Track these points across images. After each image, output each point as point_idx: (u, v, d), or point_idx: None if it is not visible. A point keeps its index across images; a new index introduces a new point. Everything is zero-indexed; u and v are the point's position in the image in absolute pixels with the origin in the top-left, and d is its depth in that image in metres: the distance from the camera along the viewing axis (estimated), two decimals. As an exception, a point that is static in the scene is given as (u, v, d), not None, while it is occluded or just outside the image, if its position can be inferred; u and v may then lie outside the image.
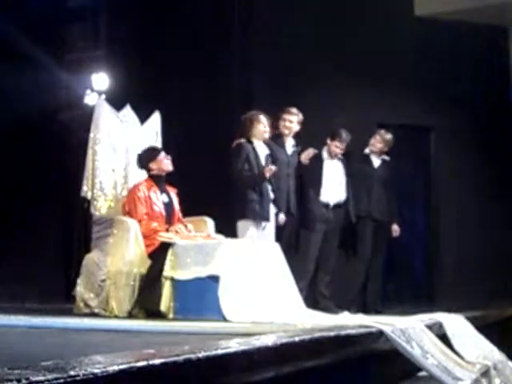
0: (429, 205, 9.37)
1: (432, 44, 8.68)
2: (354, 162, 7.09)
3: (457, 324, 5.04)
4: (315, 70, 8.49)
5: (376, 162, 7.19)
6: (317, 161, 6.75)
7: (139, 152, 6.06)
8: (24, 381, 1.75)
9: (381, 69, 8.60)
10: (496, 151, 8.91)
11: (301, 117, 6.61)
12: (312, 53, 8.52)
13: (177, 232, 5.63)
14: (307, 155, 6.59)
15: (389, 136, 7.19)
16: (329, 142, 6.85)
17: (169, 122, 6.67)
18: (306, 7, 8.52)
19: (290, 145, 6.63)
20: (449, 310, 5.47)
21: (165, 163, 5.92)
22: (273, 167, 6.13)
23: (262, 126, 6.24)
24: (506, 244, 8.79)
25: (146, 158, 5.96)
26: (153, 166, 5.93)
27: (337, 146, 6.83)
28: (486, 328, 5.42)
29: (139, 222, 5.65)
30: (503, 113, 8.45)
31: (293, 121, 6.59)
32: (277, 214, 6.28)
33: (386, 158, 7.28)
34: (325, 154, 6.88)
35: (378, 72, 8.61)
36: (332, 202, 6.81)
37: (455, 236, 9.02)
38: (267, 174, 6.09)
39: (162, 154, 5.94)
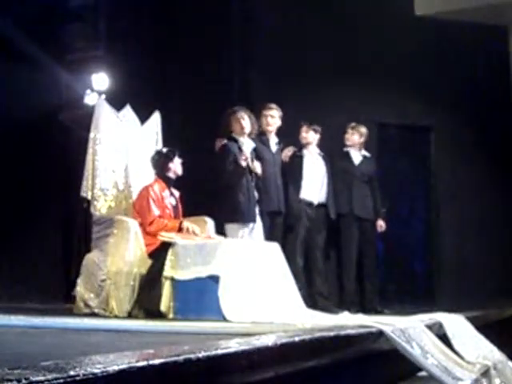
0: (429, 205, 9.37)
1: (432, 44, 8.69)
2: (335, 159, 7.10)
3: (457, 324, 5.04)
4: (315, 70, 8.49)
5: (357, 158, 7.19)
6: (297, 158, 6.76)
7: (157, 151, 6.09)
8: (24, 381, 1.75)
9: (381, 69, 8.60)
10: (496, 151, 8.91)
11: (281, 112, 6.62)
12: (312, 53, 8.52)
13: (188, 230, 5.63)
14: (287, 152, 6.62)
15: (362, 128, 7.20)
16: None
17: (169, 122, 6.67)
18: (306, 7, 8.52)
19: (273, 142, 6.64)
20: (449, 310, 5.47)
21: (180, 166, 5.94)
22: (247, 155, 6.06)
23: (239, 124, 6.19)
24: (506, 244, 8.79)
25: (167, 157, 5.96)
26: (171, 166, 5.94)
27: (301, 131, 6.86)
28: (485, 328, 5.41)
29: (151, 223, 5.64)
30: (503, 113, 8.45)
31: (274, 116, 6.59)
32: (261, 214, 6.25)
33: (367, 154, 7.28)
34: (304, 151, 6.89)
35: (378, 72, 8.61)
36: (316, 200, 6.81)
37: (455, 236, 9.02)
38: (243, 163, 6.01)
39: (177, 159, 5.95)
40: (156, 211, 5.70)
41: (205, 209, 6.22)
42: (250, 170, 6.11)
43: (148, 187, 5.84)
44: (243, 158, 6.01)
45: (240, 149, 6.14)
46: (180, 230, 5.66)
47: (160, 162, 5.95)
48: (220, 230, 6.05)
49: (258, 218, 6.17)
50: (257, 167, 6.16)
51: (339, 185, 6.98)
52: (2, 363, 2.06)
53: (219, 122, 6.30)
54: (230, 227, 6.01)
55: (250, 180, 6.10)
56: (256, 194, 6.16)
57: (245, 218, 6.02)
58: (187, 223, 5.72)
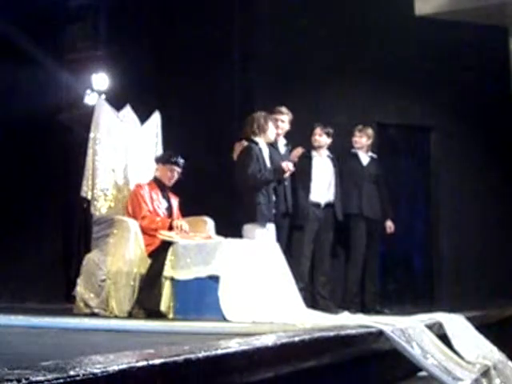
0: (429, 205, 9.37)
1: (432, 44, 8.68)
2: (343, 160, 7.10)
3: (457, 324, 5.04)
4: (315, 70, 8.49)
5: (365, 159, 7.21)
6: (306, 159, 6.76)
7: (162, 153, 6.20)
8: (24, 381, 1.75)
9: (381, 69, 8.60)
10: (496, 151, 8.91)
11: (291, 116, 6.63)
12: (312, 53, 8.52)
13: (182, 228, 5.63)
14: (296, 153, 6.62)
15: (369, 130, 7.22)
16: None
17: (169, 122, 6.67)
18: (306, 7, 8.51)
19: (281, 144, 6.65)
20: (449, 310, 5.47)
21: (167, 175, 5.93)
22: (291, 166, 6.10)
23: (274, 127, 6.26)
24: (506, 244, 8.79)
25: (161, 157, 6.03)
26: (159, 167, 5.96)
27: (315, 134, 6.85)
28: (485, 328, 5.42)
29: (143, 217, 5.66)
30: (503, 113, 8.45)
31: (284, 120, 6.61)
32: (275, 215, 6.26)
33: (374, 155, 7.30)
34: (313, 152, 6.90)
35: (378, 72, 8.61)
36: (323, 201, 6.82)
37: (455, 236, 9.02)
38: (287, 174, 6.05)
39: (173, 167, 5.93)
40: (146, 206, 5.74)
41: (205, 210, 6.21)
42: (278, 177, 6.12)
43: (138, 186, 5.90)
44: (286, 167, 6.04)
45: (260, 151, 6.16)
46: (171, 229, 5.67)
47: (158, 165, 5.98)
48: (232, 230, 6.03)
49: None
50: (290, 166, 6.15)
51: (348, 186, 6.99)
52: (2, 363, 2.06)
53: (243, 123, 6.32)
54: (248, 227, 6.01)
55: None
56: (274, 196, 6.20)
57: (264, 219, 6.03)
58: (177, 221, 5.73)
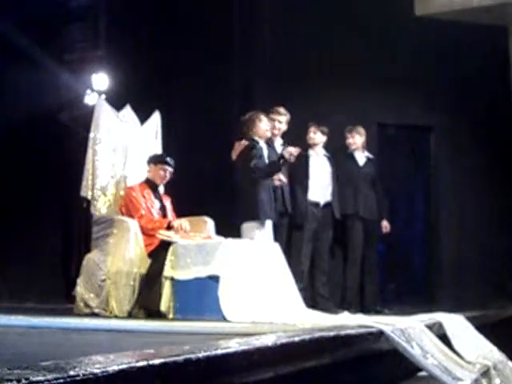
0: (429, 205, 9.37)
1: (432, 44, 8.68)
2: (339, 161, 7.10)
3: (457, 324, 5.04)
4: (315, 70, 8.49)
5: (361, 160, 7.21)
6: (303, 159, 6.77)
7: (152, 155, 6.15)
8: (24, 381, 1.75)
9: (381, 69, 8.60)
10: (496, 151, 8.90)
11: (288, 116, 6.64)
12: (312, 53, 8.52)
13: (181, 228, 5.64)
14: (293, 153, 6.62)
15: (359, 128, 7.22)
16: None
17: (169, 122, 6.68)
18: (307, 7, 8.52)
19: (278, 144, 6.66)
20: (449, 309, 5.47)
21: (159, 174, 5.94)
22: (292, 150, 6.09)
23: (265, 125, 6.25)
24: (505, 244, 8.78)
25: (153, 158, 6.04)
26: (151, 168, 5.97)
27: (309, 132, 6.87)
28: (485, 328, 5.42)
29: (140, 217, 5.67)
30: (503, 113, 8.44)
31: (282, 121, 6.62)
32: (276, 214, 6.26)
33: (370, 155, 7.30)
34: (310, 151, 6.90)
35: (378, 72, 8.61)
36: (322, 200, 6.83)
37: (455, 236, 9.02)
38: (290, 158, 6.05)
39: (165, 166, 5.95)
40: (141, 206, 5.75)
41: (205, 209, 6.21)
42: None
43: (129, 189, 5.93)
44: (288, 151, 6.04)
45: (261, 149, 6.17)
46: (169, 229, 5.67)
47: (149, 166, 6.00)
48: (232, 229, 6.01)
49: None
50: (294, 150, 6.16)
51: (344, 186, 6.99)
52: (2, 363, 2.06)
53: (238, 125, 6.33)
54: (246, 226, 6.00)
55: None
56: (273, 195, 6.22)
57: (265, 215, 6.03)
58: (177, 221, 5.74)
